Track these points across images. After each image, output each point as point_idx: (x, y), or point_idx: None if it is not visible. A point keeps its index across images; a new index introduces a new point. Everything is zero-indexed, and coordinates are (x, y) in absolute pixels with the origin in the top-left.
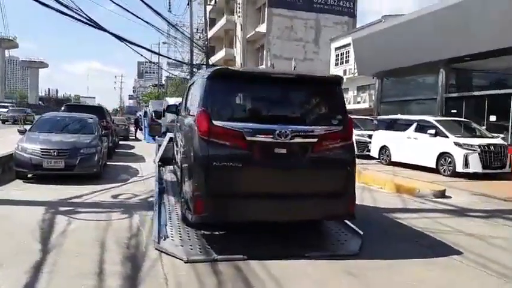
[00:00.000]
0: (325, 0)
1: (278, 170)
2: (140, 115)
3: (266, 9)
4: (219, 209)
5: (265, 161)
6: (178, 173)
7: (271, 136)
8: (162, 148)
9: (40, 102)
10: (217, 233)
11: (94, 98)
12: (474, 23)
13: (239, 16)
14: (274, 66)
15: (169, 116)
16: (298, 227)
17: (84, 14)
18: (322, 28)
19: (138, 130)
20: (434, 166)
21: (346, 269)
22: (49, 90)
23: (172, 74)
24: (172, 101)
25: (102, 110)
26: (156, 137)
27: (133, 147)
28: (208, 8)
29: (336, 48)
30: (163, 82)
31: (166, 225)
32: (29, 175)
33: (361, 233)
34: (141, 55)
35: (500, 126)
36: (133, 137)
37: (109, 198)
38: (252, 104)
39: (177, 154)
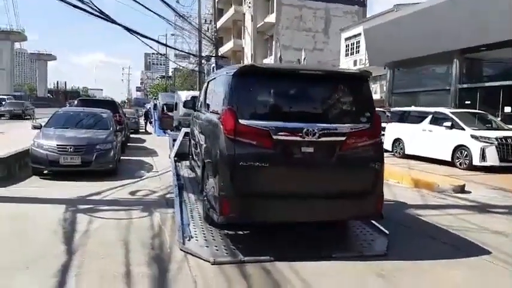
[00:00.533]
0: None
1: (305, 169)
2: (150, 107)
3: None
4: (245, 210)
5: (293, 160)
6: (198, 170)
7: (299, 135)
8: (177, 143)
9: (49, 95)
10: (241, 233)
11: (101, 90)
12: (489, 12)
13: (249, 7)
14: (282, 58)
15: (182, 110)
16: (323, 227)
17: (96, 6)
18: (332, 18)
19: (147, 123)
20: (450, 159)
21: (374, 270)
22: (57, 83)
23: (180, 66)
24: (184, 94)
25: (115, 104)
26: (169, 131)
27: (144, 140)
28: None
29: (346, 39)
30: (171, 74)
31: (189, 224)
32: (45, 171)
33: (387, 232)
34: (151, 47)
35: None
36: (144, 130)
37: (127, 195)
38: (279, 102)
39: (195, 149)
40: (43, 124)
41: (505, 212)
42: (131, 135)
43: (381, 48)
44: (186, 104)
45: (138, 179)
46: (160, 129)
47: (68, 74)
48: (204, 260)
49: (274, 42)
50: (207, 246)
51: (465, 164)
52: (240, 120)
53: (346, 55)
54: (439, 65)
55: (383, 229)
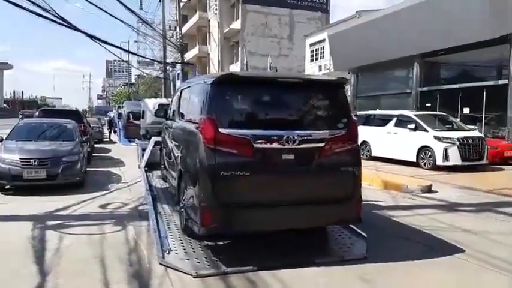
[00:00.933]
0: None
1: (286, 176)
2: (113, 116)
3: (240, 5)
4: (227, 220)
5: (274, 168)
6: (173, 180)
7: (279, 142)
8: (147, 153)
9: (5, 105)
10: (221, 243)
11: (61, 98)
12: (448, 17)
13: (215, 13)
14: (248, 64)
15: (150, 118)
16: (302, 233)
17: (57, 14)
18: (296, 24)
19: (111, 132)
20: (414, 160)
21: (357, 275)
22: (14, 93)
23: (145, 73)
24: (151, 102)
25: (79, 114)
26: (136, 140)
27: (109, 150)
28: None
29: (311, 44)
30: (134, 81)
31: (167, 237)
32: (7, 186)
33: (365, 235)
34: (115, 55)
35: (474, 119)
36: (108, 139)
37: (97, 209)
38: (258, 110)
39: (168, 159)
40: (4, 137)
41: (472, 210)
42: (95, 145)
43: (345, 53)
44: (157, 113)
45: (107, 191)
46: (125, 138)
47: (26, 83)
48: (185, 273)
49: (240, 49)
50: (187, 259)
51: (429, 164)
52: (219, 129)
53: (311, 60)
54: (400, 69)
55: (361, 232)
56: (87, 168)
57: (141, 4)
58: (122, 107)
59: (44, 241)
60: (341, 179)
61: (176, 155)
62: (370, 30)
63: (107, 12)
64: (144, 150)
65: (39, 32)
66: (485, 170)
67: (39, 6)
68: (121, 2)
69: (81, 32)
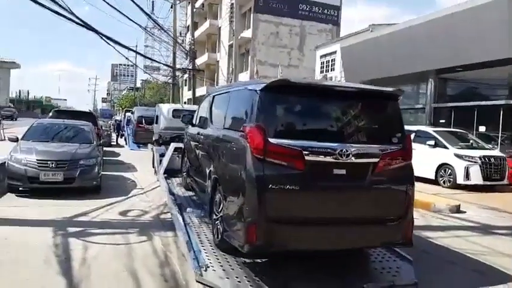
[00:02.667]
0: (310, 8)
1: (338, 193)
2: (120, 120)
3: (252, 14)
4: (275, 237)
5: (324, 183)
6: (204, 189)
7: (332, 156)
8: (166, 159)
9: (11, 105)
10: (259, 261)
11: (65, 100)
12: (465, 34)
13: (231, 21)
14: (259, 73)
15: (163, 123)
16: (342, 255)
17: (69, 8)
18: (307, 35)
19: (119, 136)
20: (433, 177)
21: None
22: (20, 92)
23: (155, 78)
24: (166, 107)
25: (94, 117)
26: (150, 145)
27: (118, 154)
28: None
29: (321, 56)
30: (139, 85)
31: (200, 251)
32: (21, 188)
33: (411, 259)
34: (127, 58)
35: (489, 137)
36: (115, 143)
37: (118, 216)
38: (309, 120)
39: (195, 166)
40: (19, 137)
41: (507, 233)
42: (104, 148)
43: (358, 66)
44: (183, 118)
45: (125, 197)
46: (134, 143)
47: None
48: None
49: (250, 58)
50: (227, 278)
51: (449, 182)
52: (269, 139)
53: (321, 72)
54: (414, 84)
55: (406, 255)
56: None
57: (152, 8)
58: (132, 112)
59: (67, 250)
60: (394, 197)
61: (209, 163)
62: (384, 44)
63: (118, 10)
64: (161, 156)
65: (44, 32)
66: (504, 190)
67: (60, 5)
68: (134, 2)
69: (94, 30)
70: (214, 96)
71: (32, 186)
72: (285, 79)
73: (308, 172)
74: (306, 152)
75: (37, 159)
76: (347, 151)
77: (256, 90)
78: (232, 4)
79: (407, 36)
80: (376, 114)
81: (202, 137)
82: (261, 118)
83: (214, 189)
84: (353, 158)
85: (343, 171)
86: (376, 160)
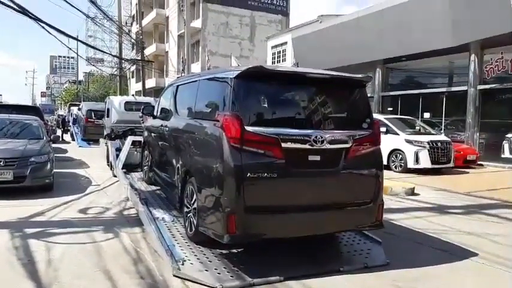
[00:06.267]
0: None
1: (313, 179)
2: (64, 115)
3: (201, 4)
4: (254, 226)
5: (301, 169)
6: (172, 183)
7: (308, 142)
8: (124, 153)
9: None
10: (235, 251)
11: (0, 95)
12: (409, 25)
13: (182, 10)
14: (210, 64)
15: (115, 116)
16: (314, 240)
17: None
18: (257, 26)
19: (63, 132)
20: (385, 163)
21: (388, 283)
22: None
23: (100, 70)
24: (117, 100)
25: (40, 111)
26: (106, 140)
27: (66, 150)
28: (135, 1)
29: (272, 47)
30: (82, 78)
31: (174, 245)
32: None
33: (380, 240)
34: (70, 48)
35: (433, 123)
36: (60, 140)
37: (78, 214)
38: (283, 107)
39: (160, 159)
40: None
41: (462, 212)
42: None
43: (309, 57)
44: (144, 110)
45: (81, 195)
46: (83, 140)
47: None
48: (208, 286)
49: (200, 48)
50: (206, 270)
51: (400, 167)
52: (246, 127)
53: (273, 63)
54: (363, 73)
55: (375, 237)
56: None
57: None
58: (80, 107)
59: (29, 252)
60: (366, 181)
61: (177, 155)
62: (334, 35)
63: None
64: (118, 150)
65: None
66: (451, 173)
67: None
68: None
69: (30, 16)
70: (178, 86)
71: None
72: (259, 66)
73: (285, 159)
74: (283, 139)
75: None
76: (321, 137)
77: (229, 78)
78: None
79: (355, 27)
80: (347, 100)
81: (166, 128)
82: (236, 106)
83: (185, 181)
84: (327, 145)
85: (318, 158)
86: (348, 145)
